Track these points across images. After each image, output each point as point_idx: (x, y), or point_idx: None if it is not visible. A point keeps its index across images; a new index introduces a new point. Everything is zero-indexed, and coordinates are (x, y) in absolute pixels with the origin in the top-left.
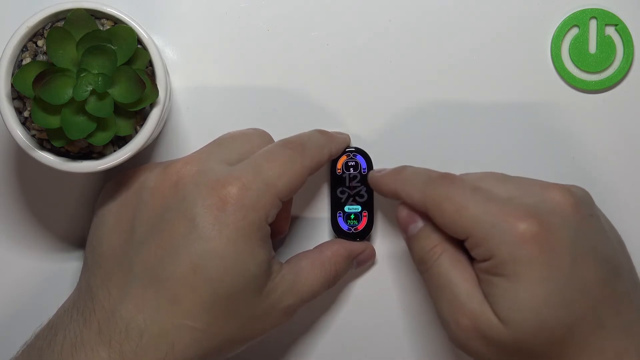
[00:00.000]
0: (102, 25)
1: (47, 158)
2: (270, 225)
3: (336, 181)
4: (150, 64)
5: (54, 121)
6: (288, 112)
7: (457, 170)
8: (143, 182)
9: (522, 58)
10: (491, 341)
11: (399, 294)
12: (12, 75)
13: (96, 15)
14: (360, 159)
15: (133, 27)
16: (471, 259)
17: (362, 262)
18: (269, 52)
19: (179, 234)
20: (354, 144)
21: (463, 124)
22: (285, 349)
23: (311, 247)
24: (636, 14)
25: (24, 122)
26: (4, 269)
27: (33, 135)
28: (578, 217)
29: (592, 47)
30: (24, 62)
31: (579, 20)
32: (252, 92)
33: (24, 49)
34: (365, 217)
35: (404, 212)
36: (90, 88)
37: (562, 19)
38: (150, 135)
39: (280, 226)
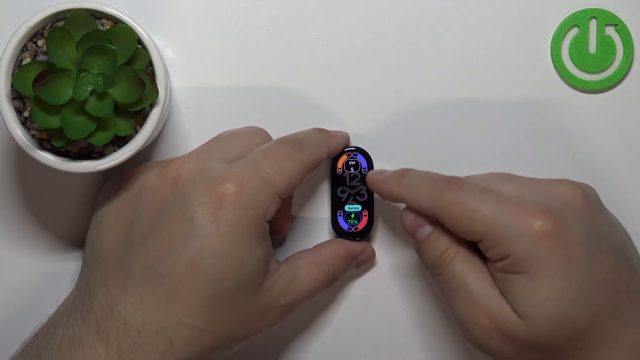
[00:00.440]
0: (102, 25)
1: (47, 158)
2: (271, 223)
3: (336, 180)
4: (150, 64)
5: (54, 121)
6: (288, 112)
7: (457, 170)
8: (142, 182)
9: (522, 58)
10: (511, 338)
11: (399, 293)
12: (12, 75)
13: (96, 15)
14: (360, 158)
15: (133, 27)
16: (484, 259)
17: (362, 263)
18: (269, 52)
19: (178, 233)
20: (354, 143)
21: (463, 123)
22: (283, 348)
23: (311, 246)
24: (636, 14)
25: (24, 122)
26: (3, 269)
27: (33, 135)
28: (589, 211)
29: (592, 47)
30: (24, 62)
31: (579, 20)
32: (252, 92)
33: (24, 49)
34: (365, 217)
35: (409, 217)
36: (90, 88)
37: (562, 19)
38: (150, 135)
39: (281, 224)
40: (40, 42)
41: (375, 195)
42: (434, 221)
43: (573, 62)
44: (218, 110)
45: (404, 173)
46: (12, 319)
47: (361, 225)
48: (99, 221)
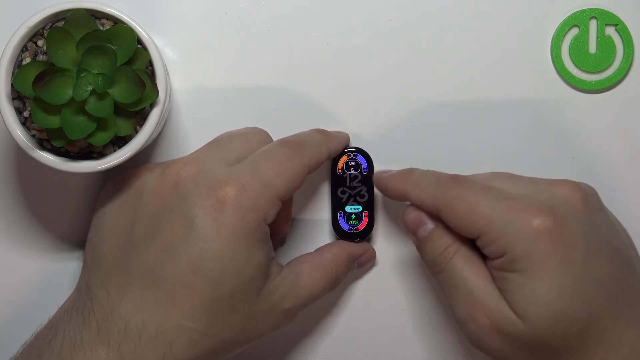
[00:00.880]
0: (102, 25)
1: (47, 158)
2: (271, 225)
3: (337, 181)
4: (150, 64)
5: (54, 121)
6: (288, 112)
7: (457, 170)
8: (143, 183)
9: (522, 58)
10: (509, 337)
11: (400, 293)
12: (12, 75)
13: (96, 15)
14: (361, 159)
15: (133, 27)
16: (484, 258)
17: (363, 264)
18: (269, 52)
19: (178, 235)
20: (354, 143)
21: (463, 123)
22: (287, 351)
23: (312, 249)
24: (636, 14)
25: (24, 122)
26: (3, 269)
27: (33, 135)
28: (589, 211)
29: (592, 47)
30: (24, 62)
31: (579, 20)
32: (252, 92)
33: (24, 49)
34: (366, 217)
35: (411, 215)
36: (90, 88)
37: (562, 19)
38: (150, 135)
39: (281, 225)
40: (40, 42)
41: (375, 195)
42: (436, 219)
43: (573, 62)
44: (218, 111)
45: (409, 171)
46: (12, 319)
47: (362, 226)
48: (99, 222)
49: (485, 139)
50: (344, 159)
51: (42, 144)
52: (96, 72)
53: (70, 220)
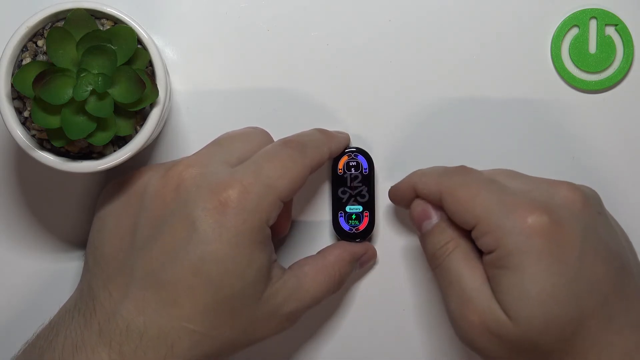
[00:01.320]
0: (102, 25)
1: (47, 158)
2: (271, 226)
3: (337, 181)
4: (150, 64)
5: (54, 121)
6: (288, 112)
7: None
8: (144, 185)
9: (522, 58)
10: (499, 338)
11: (402, 292)
12: (12, 75)
13: (96, 15)
14: (361, 159)
15: (133, 27)
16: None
17: (364, 264)
18: (269, 52)
19: (180, 238)
20: (354, 143)
21: (463, 123)
22: (290, 354)
23: (312, 249)
24: (636, 14)
25: (24, 122)
26: (4, 269)
27: (33, 135)
28: (587, 213)
29: (592, 47)
30: (24, 62)
31: (579, 20)
32: (252, 92)
33: (24, 49)
34: (366, 217)
35: (418, 208)
36: (90, 88)
37: (562, 19)
38: (150, 135)
39: (281, 226)
40: (40, 42)
41: (376, 195)
42: (441, 214)
43: (573, 62)
44: (218, 111)
45: (417, 170)
46: (13, 319)
47: (362, 226)
48: (100, 224)
49: (485, 139)
50: (344, 159)
51: (42, 144)
52: (96, 72)
53: (70, 220)
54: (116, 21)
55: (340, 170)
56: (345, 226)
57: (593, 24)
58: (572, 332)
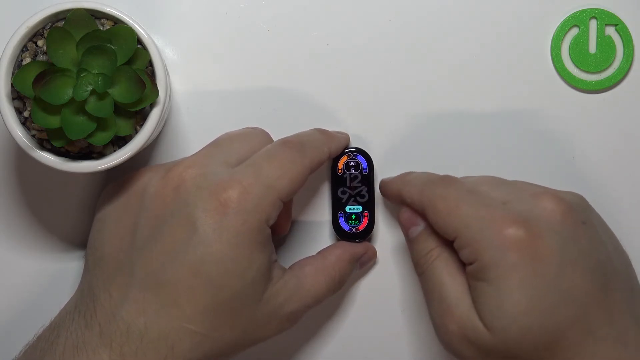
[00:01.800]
0: (102, 25)
1: (47, 158)
2: (271, 225)
3: (337, 181)
4: (150, 64)
5: (54, 121)
6: (288, 112)
7: (456, 168)
8: (145, 186)
9: (522, 58)
10: (477, 347)
11: (401, 293)
12: (12, 75)
13: (96, 15)
14: (361, 159)
15: (133, 27)
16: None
17: (364, 264)
18: (269, 52)
19: (180, 239)
20: (354, 144)
21: (463, 123)
22: (290, 354)
23: (312, 249)
24: (636, 14)
25: (24, 122)
26: (4, 270)
27: (33, 135)
28: (569, 225)
29: (592, 47)
30: (24, 62)
31: (579, 20)
32: (252, 92)
33: (24, 49)
34: (366, 218)
35: (405, 215)
36: (90, 88)
37: (562, 19)
38: (150, 135)
39: (281, 225)
40: (40, 42)
41: (375, 195)
42: (427, 222)
43: (573, 62)
44: (218, 111)
45: (407, 173)
46: (13, 319)
47: (362, 226)
48: (100, 224)
49: (485, 139)
50: (344, 159)
51: (42, 144)
52: (96, 72)
53: (70, 220)
54: (116, 21)
55: (340, 171)
56: (345, 226)
57: (593, 24)
58: (550, 342)
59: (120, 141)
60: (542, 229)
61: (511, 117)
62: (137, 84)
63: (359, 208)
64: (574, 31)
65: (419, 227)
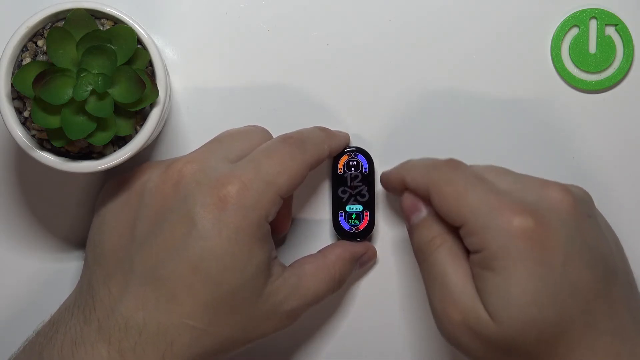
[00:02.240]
0: (102, 25)
1: (47, 158)
2: (271, 223)
3: (337, 181)
4: (150, 64)
5: (54, 121)
6: (288, 111)
7: None
8: (144, 182)
9: (522, 58)
10: (480, 337)
11: (401, 292)
12: (12, 75)
13: (96, 15)
14: (361, 158)
15: (133, 27)
16: (469, 255)
17: (364, 263)
18: (269, 52)
19: (180, 234)
20: (354, 143)
21: (463, 123)
22: (290, 353)
23: (313, 248)
24: (636, 14)
25: (24, 122)
26: (4, 269)
27: (33, 135)
28: (576, 217)
29: (592, 47)
30: (24, 62)
31: (579, 20)
32: (252, 91)
33: (24, 49)
34: (366, 217)
35: (408, 200)
36: (90, 88)
37: (562, 19)
38: (150, 135)
39: (281, 224)
40: (40, 42)
41: (376, 195)
42: (430, 207)
43: (573, 62)
44: (218, 110)
45: (407, 161)
46: (13, 318)
47: (362, 226)
48: (100, 221)
49: (485, 139)
50: (344, 158)
51: (42, 144)
52: (96, 72)
53: (70, 220)
54: (116, 21)
55: (340, 170)
56: (345, 225)
57: (593, 24)
58: (553, 335)
59: (120, 141)
60: (550, 218)
61: (511, 117)
62: (137, 84)
63: (360, 207)
64: (574, 31)
65: (422, 213)
